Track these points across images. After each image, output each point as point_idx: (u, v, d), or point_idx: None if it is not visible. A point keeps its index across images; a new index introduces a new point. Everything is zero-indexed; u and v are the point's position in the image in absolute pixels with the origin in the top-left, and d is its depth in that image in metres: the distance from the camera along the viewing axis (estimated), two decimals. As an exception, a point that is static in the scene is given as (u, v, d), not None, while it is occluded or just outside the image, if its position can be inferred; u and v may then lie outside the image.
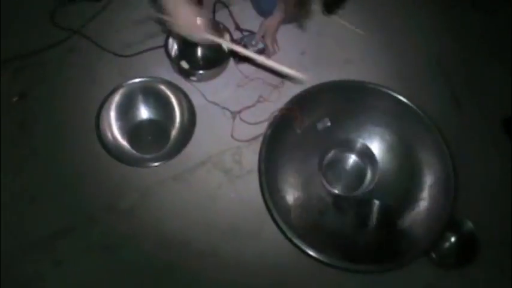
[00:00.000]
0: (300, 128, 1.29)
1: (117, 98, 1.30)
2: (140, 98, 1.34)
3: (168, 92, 1.34)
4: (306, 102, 1.29)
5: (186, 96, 1.33)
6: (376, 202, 1.26)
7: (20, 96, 1.36)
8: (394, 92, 1.29)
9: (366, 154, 1.31)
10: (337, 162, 1.34)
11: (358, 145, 1.32)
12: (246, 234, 1.26)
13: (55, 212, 1.23)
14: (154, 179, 1.29)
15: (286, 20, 1.44)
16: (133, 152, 1.30)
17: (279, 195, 1.23)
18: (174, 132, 1.34)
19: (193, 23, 1.09)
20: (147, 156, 1.30)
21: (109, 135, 1.28)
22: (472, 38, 1.62)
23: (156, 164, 1.26)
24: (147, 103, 1.35)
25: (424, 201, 1.25)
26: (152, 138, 1.34)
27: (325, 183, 1.26)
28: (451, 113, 1.47)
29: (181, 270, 1.20)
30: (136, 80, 1.32)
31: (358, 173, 1.33)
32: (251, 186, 1.28)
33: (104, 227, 1.23)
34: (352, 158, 1.35)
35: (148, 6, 1.53)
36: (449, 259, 1.27)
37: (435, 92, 1.50)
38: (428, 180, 1.27)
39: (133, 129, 1.34)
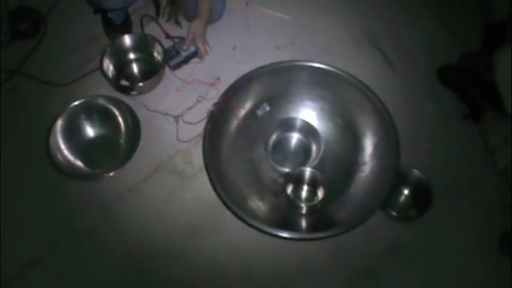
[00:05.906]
0: (238, 117, 1.33)
1: (60, 123, 1.33)
2: (83, 117, 1.38)
3: (109, 105, 1.38)
4: (240, 91, 1.34)
5: (125, 104, 1.38)
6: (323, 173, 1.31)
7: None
8: (322, 64, 1.34)
9: (308, 129, 1.35)
10: (282, 143, 1.38)
11: (299, 122, 1.36)
12: (208, 229, 1.29)
13: (21, 244, 1.26)
14: (111, 195, 1.32)
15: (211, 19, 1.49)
16: (88, 169, 1.35)
17: (231, 186, 1.26)
18: (122, 142, 1.38)
19: None
20: (100, 170, 1.34)
21: (60, 158, 1.31)
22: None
23: (110, 173, 1.30)
24: (91, 121, 1.39)
25: (371, 162, 1.30)
26: (104, 153, 1.38)
27: (274, 164, 1.30)
28: (387, 76, 1.52)
29: (152, 277, 1.23)
30: (76, 103, 1.36)
31: (304, 149, 1.37)
32: (205, 182, 1.31)
33: (70, 251, 1.25)
34: (296, 136, 1.38)
35: (79, 33, 1.59)
36: (408, 211, 1.31)
37: (368, 60, 1.54)
38: (372, 141, 1.32)
39: (85, 148, 1.38)
